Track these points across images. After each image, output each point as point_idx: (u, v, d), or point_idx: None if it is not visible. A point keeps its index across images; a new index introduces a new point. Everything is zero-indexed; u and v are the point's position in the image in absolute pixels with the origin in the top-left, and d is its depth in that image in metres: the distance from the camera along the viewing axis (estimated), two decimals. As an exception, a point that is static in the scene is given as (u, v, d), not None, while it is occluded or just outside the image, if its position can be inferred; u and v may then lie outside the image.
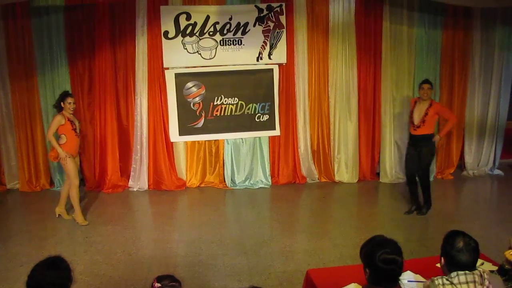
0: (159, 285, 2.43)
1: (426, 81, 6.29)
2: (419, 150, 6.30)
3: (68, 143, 6.06)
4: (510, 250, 2.83)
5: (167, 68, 7.64)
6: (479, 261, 2.79)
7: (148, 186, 7.88)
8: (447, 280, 2.45)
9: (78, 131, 6.21)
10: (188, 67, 7.71)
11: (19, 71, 7.57)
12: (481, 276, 2.43)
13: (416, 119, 6.27)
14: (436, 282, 2.46)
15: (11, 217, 6.89)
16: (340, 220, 6.29)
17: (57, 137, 6.07)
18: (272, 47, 7.73)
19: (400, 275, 2.38)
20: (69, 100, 6.03)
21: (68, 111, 6.04)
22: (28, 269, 2.47)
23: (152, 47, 7.56)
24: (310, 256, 5.10)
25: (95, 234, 5.89)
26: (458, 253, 2.46)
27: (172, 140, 7.85)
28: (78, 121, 6.35)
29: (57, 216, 6.40)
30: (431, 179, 8.05)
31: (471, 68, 8.22)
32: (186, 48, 7.62)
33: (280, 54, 7.77)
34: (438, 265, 2.63)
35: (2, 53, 7.54)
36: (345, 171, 8.16)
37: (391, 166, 8.13)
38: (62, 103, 6.02)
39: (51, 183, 8.04)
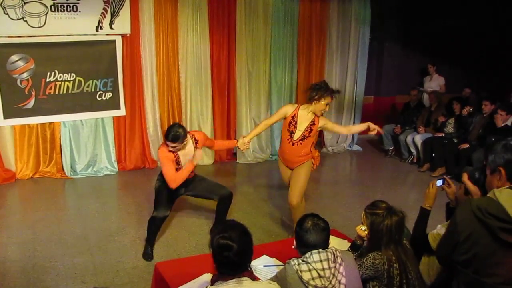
0: None
1: None
2: None
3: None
4: (361, 226, 2.87)
5: (-16, 37, 6.53)
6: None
7: (-33, 179, 6.84)
8: (302, 260, 2.54)
9: None
10: (12, 37, 6.62)
11: None
12: (333, 254, 2.56)
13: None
14: (292, 263, 2.54)
15: None
16: (194, 207, 5.89)
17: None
18: (113, 15, 6.92)
19: (241, 263, 2.26)
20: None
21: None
22: None
23: (-39, 11, 6.37)
24: (164, 248, 4.85)
25: None
26: (305, 233, 2.56)
27: (-5, 124, 6.73)
28: None
29: None
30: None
31: (328, 42, 8.14)
32: (7, 13, 6.49)
33: (123, 23, 6.99)
34: (293, 247, 2.70)
35: None
36: (198, 152, 7.71)
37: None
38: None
39: None
